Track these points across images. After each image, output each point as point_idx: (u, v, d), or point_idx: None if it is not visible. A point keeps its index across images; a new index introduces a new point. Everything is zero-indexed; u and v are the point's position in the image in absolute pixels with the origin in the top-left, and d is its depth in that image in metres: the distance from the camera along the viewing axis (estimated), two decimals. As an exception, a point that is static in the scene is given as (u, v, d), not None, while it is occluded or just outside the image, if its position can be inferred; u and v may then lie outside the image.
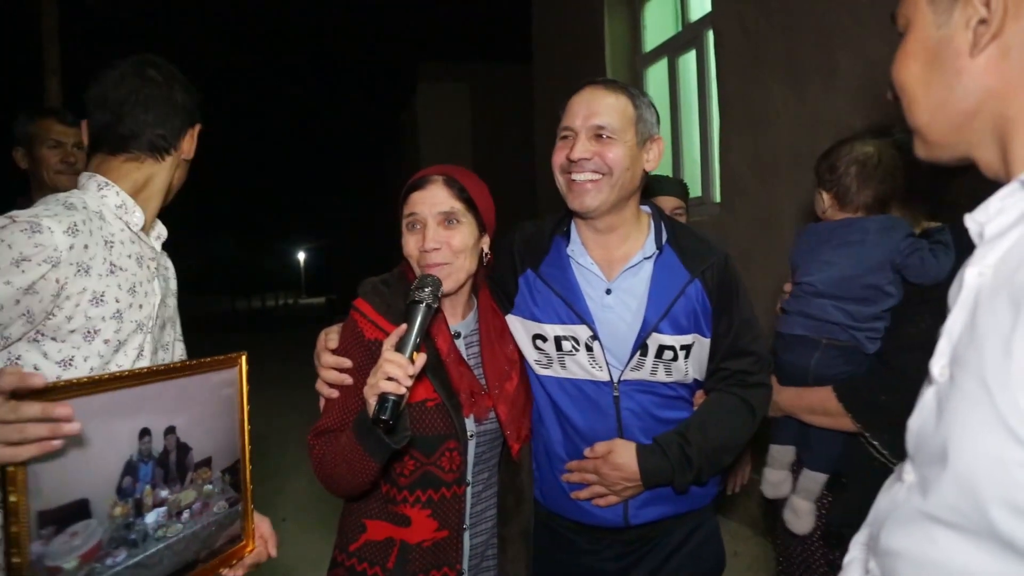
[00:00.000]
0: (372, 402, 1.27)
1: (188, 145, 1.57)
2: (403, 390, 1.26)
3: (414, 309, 1.33)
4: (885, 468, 1.62)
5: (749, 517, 3.79)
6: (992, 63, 0.72)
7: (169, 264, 1.65)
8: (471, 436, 1.50)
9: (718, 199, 4.14)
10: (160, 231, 1.61)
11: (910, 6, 0.80)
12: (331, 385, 1.49)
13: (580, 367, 1.58)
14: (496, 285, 1.68)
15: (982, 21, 0.71)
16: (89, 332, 1.34)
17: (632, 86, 1.64)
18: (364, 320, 1.48)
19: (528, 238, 1.70)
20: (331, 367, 1.49)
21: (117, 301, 1.39)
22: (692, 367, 1.60)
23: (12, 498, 0.92)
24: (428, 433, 1.44)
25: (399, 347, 1.29)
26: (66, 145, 2.50)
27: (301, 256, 54.92)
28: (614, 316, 1.58)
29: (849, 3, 2.77)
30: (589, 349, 1.56)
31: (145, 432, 1.11)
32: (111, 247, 1.40)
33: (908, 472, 0.77)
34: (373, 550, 1.48)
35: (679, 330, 1.57)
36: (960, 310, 0.73)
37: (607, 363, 1.57)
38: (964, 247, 1.61)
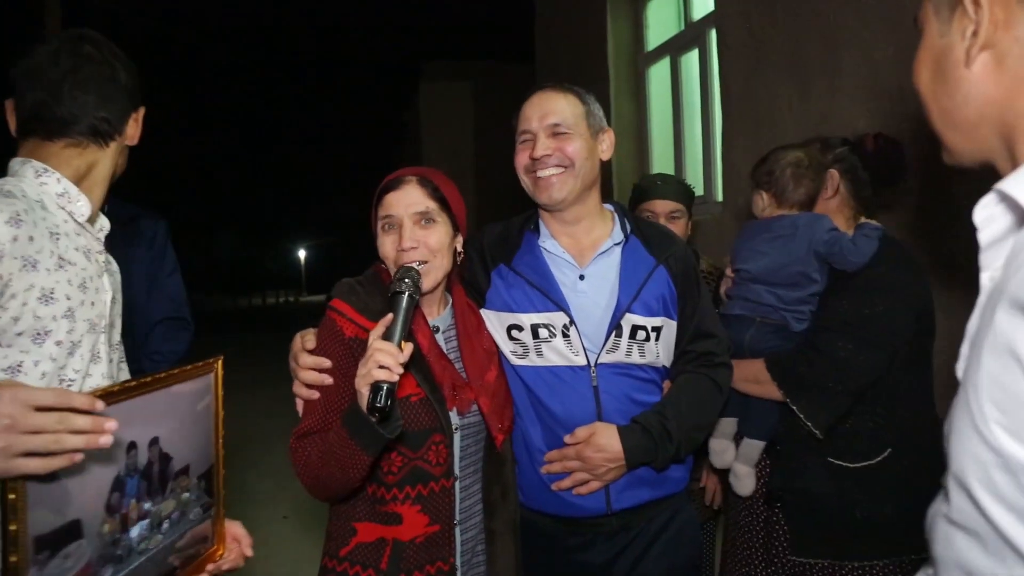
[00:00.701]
0: (365, 392, 1.28)
1: (132, 130, 1.46)
2: (396, 377, 1.27)
3: (398, 299, 1.35)
4: (815, 438, 1.82)
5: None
6: (987, 72, 0.72)
7: (111, 258, 1.53)
8: (456, 429, 1.52)
9: (720, 198, 4.13)
10: (103, 224, 1.47)
11: (922, 13, 0.80)
12: (310, 387, 1.49)
13: (557, 353, 1.64)
14: (467, 284, 1.72)
15: (975, 32, 0.72)
16: (39, 334, 1.22)
17: (577, 86, 1.77)
18: (343, 319, 1.49)
19: (497, 236, 1.78)
20: (310, 367, 1.49)
21: (68, 298, 1.27)
22: (662, 350, 1.69)
23: (12, 527, 0.89)
24: (414, 427, 1.45)
25: (386, 337, 1.31)
26: None
27: (302, 254, 54.98)
28: (588, 301, 1.67)
29: (854, 3, 2.77)
30: (565, 335, 1.63)
31: (132, 446, 1.09)
32: (57, 239, 1.27)
33: (946, 477, 0.78)
34: (365, 552, 1.48)
35: (650, 312, 1.67)
36: (975, 313, 0.73)
37: (584, 348, 1.63)
38: (889, 242, 1.84)
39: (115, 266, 1.53)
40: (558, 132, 1.66)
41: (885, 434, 1.82)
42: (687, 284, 1.74)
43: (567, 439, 1.61)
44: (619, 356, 1.64)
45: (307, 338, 1.55)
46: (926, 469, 1.79)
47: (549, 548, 1.68)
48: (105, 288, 1.40)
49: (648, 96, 5.06)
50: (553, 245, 1.72)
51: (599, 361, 1.64)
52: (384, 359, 1.26)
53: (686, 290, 1.73)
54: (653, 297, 1.68)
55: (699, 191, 4.47)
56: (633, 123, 5.07)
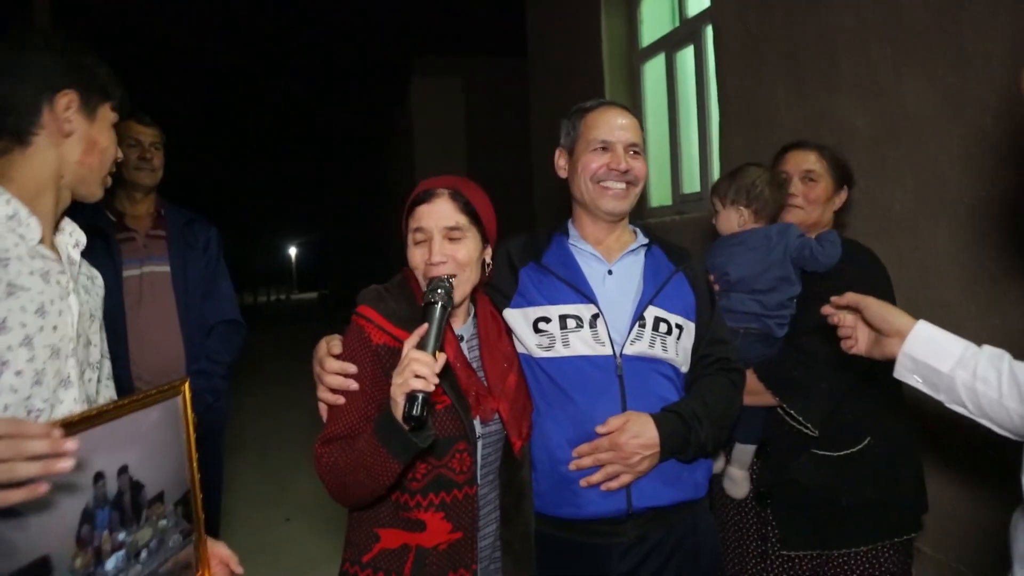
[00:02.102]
0: (400, 401, 1.30)
1: (58, 117, 1.30)
2: (432, 387, 1.30)
3: (431, 310, 1.38)
4: (801, 435, 1.93)
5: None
6: None
7: (95, 273, 1.49)
8: (479, 438, 1.53)
9: (717, 195, 4.15)
10: (78, 238, 1.40)
11: None
12: (335, 392, 1.51)
13: (583, 343, 1.68)
14: (492, 290, 1.75)
15: None
16: None
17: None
18: (371, 325, 1.51)
19: (524, 242, 1.86)
20: (336, 372, 1.50)
21: (24, 326, 1.21)
22: (681, 351, 1.75)
23: None
24: (440, 435, 1.46)
25: (420, 346, 1.33)
26: (143, 144, 2.72)
27: (292, 251, 54.67)
28: (615, 294, 1.74)
29: (852, 3, 2.78)
30: (592, 326, 1.68)
31: (99, 476, 1.07)
32: (6, 264, 1.22)
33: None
34: (388, 558, 1.50)
35: (672, 309, 1.75)
36: None
37: (610, 338, 1.68)
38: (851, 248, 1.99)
39: (99, 281, 1.48)
40: (635, 152, 1.77)
41: (863, 424, 1.95)
42: (703, 292, 1.83)
43: (599, 429, 1.62)
44: (643, 347, 1.69)
45: (333, 343, 1.57)
46: (900, 456, 1.99)
47: (565, 563, 1.68)
48: (70, 309, 1.32)
49: (643, 93, 5.06)
50: (583, 244, 1.81)
51: (624, 352, 1.68)
52: (420, 369, 1.28)
53: (701, 297, 1.82)
54: (675, 297, 1.77)
55: (695, 188, 4.50)
56: (628, 120, 5.06)
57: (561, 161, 1.85)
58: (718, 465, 2.08)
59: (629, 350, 1.68)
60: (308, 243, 49.88)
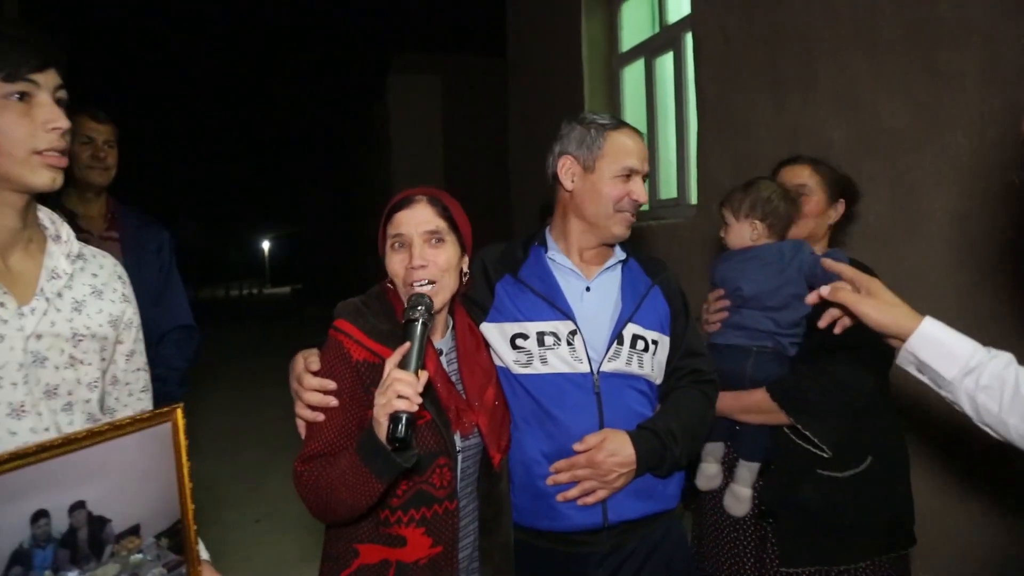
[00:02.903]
0: (384, 422, 1.28)
1: None
2: (415, 407, 1.28)
3: (412, 327, 1.36)
4: (807, 453, 1.91)
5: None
6: None
7: (115, 285, 1.38)
8: (458, 452, 1.52)
9: (694, 201, 4.18)
10: (68, 248, 1.29)
11: None
12: (314, 409, 1.48)
13: (561, 360, 1.67)
14: (469, 302, 1.73)
15: None
16: None
17: None
18: (350, 340, 1.48)
19: (501, 253, 1.83)
20: (315, 389, 1.47)
21: None
22: (656, 366, 1.76)
23: None
24: (421, 451, 1.45)
25: (402, 365, 1.31)
26: (96, 141, 2.60)
27: (266, 245, 54.11)
28: (593, 311, 1.73)
29: (830, 15, 2.81)
30: (570, 343, 1.68)
31: (41, 514, 1.01)
32: None
33: None
34: (368, 574, 1.48)
35: (648, 325, 1.75)
36: None
37: (587, 356, 1.68)
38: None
39: (112, 295, 1.39)
40: (644, 179, 1.77)
41: (865, 443, 1.94)
42: (677, 304, 1.84)
43: (576, 446, 1.62)
44: (620, 364, 1.69)
45: (310, 359, 1.53)
46: (900, 472, 2.00)
47: (544, 570, 1.69)
48: (17, 332, 1.19)
49: (622, 97, 5.08)
50: (561, 258, 1.79)
51: (601, 369, 1.68)
52: (403, 389, 1.26)
53: (676, 309, 1.83)
54: (651, 312, 1.77)
55: (672, 194, 4.53)
56: (607, 124, 5.07)
57: (566, 169, 1.77)
58: (717, 482, 2.05)
59: (606, 367, 1.68)
60: (282, 237, 49.40)
